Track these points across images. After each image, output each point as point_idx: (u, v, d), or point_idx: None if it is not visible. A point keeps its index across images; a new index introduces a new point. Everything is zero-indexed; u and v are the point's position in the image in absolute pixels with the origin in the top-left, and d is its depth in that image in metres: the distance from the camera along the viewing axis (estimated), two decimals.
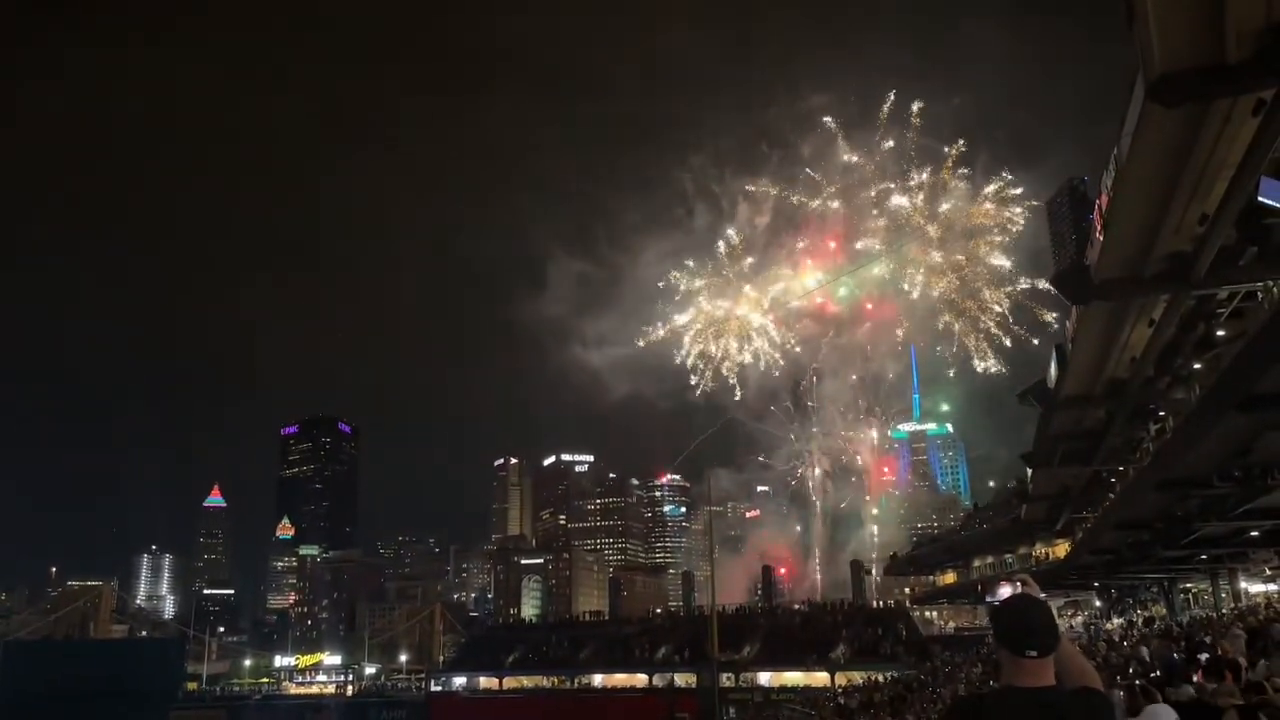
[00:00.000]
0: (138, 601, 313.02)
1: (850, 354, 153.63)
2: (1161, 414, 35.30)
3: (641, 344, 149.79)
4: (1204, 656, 19.76)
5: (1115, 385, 34.13)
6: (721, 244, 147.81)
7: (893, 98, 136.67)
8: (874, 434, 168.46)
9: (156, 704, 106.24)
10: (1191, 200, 21.48)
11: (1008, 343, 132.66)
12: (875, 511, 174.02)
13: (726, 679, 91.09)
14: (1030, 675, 3.70)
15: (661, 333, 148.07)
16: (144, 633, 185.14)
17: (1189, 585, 61.11)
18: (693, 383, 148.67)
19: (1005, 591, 3.96)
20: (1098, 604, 77.90)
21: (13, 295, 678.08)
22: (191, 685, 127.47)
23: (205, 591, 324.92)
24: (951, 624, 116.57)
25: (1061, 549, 70.92)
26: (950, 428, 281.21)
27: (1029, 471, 53.31)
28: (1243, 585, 52.41)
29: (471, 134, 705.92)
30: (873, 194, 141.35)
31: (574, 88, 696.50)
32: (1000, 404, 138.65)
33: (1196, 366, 30.28)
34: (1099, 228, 24.94)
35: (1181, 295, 25.98)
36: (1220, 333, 28.16)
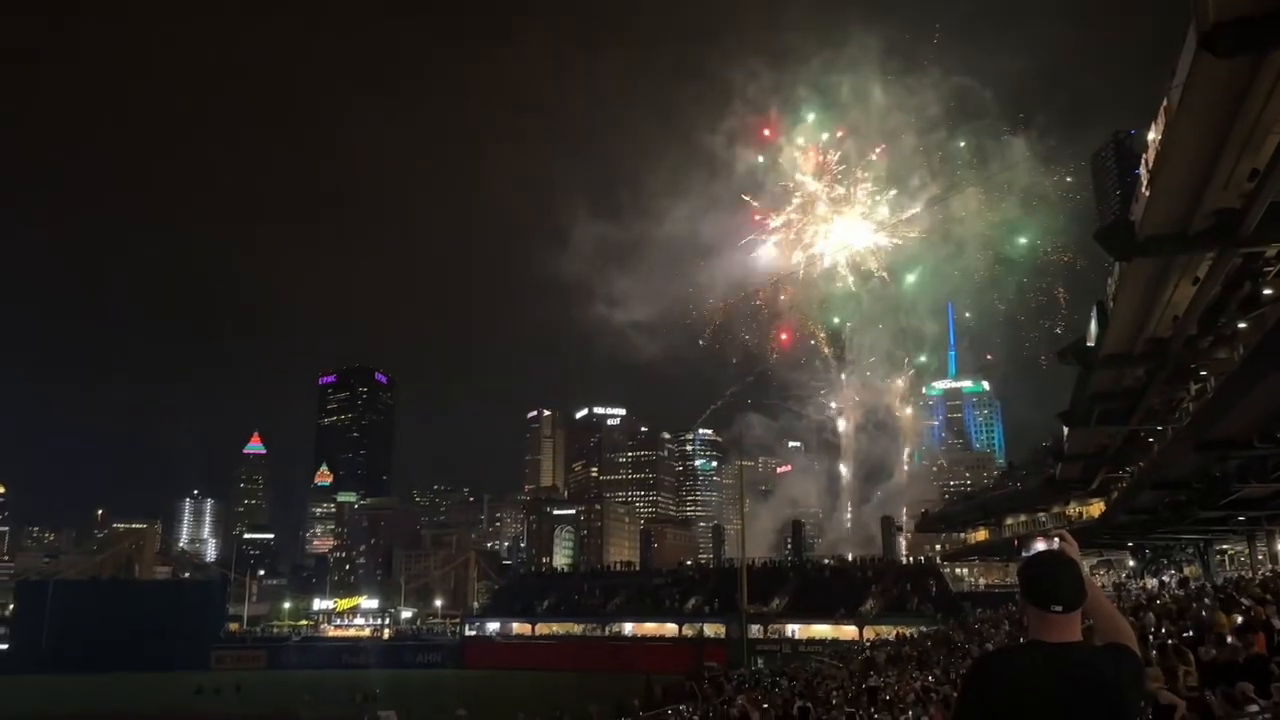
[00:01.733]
0: (181, 544, 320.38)
1: (891, 305, 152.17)
2: (1203, 373, 34.73)
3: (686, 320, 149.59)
4: (1239, 618, 19.63)
5: (1156, 344, 33.55)
6: (749, 197, 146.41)
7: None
8: (903, 383, 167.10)
9: (199, 643, 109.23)
10: (1242, 155, 20.91)
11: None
12: (906, 466, 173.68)
13: (755, 630, 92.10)
14: (1056, 630, 3.67)
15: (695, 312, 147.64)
16: (187, 575, 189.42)
17: (1225, 546, 60.53)
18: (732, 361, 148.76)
19: (1041, 548, 3.94)
20: (1131, 564, 77.45)
21: (59, 248, 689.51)
22: (233, 626, 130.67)
23: (246, 536, 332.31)
24: (982, 581, 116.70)
25: (1096, 508, 70.47)
26: (986, 385, 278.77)
27: (1065, 430, 52.80)
28: None
29: (499, 84, 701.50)
30: (920, 146, 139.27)
31: (602, 38, 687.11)
32: (1039, 369, 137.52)
33: (1241, 325, 29.67)
34: (1145, 182, 24.38)
35: (1228, 252, 25.39)
36: (1267, 291, 27.53)
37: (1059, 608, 3.68)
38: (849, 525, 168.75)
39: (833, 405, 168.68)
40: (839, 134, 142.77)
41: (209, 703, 75.70)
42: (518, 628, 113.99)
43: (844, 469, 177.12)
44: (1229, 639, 15.23)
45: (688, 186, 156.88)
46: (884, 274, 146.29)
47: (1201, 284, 27.71)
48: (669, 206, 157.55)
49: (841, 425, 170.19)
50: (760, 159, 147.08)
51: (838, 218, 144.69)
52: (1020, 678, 3.57)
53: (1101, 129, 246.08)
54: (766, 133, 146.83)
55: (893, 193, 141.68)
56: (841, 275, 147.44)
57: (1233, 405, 29.31)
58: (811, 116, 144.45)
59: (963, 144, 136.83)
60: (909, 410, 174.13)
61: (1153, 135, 22.74)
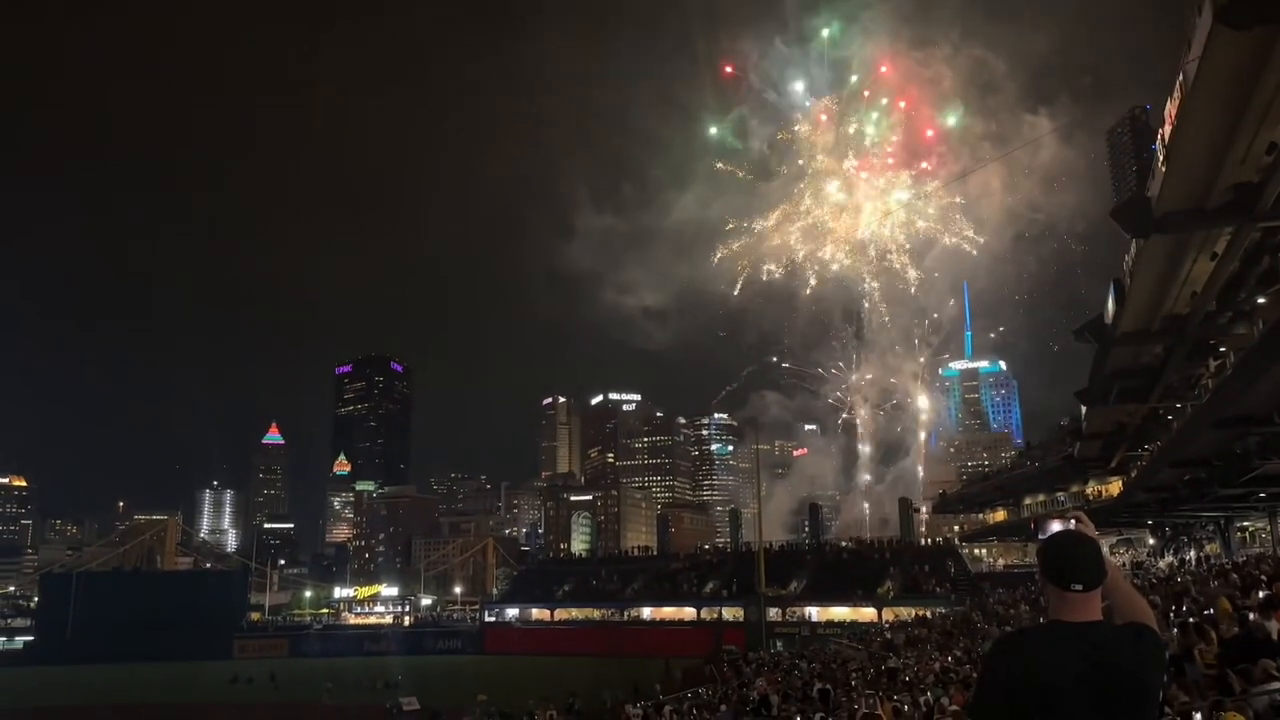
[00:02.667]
0: (201, 535, 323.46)
1: (907, 284, 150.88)
2: (1222, 350, 34.48)
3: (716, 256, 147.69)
4: (1262, 594, 19.53)
5: (1174, 320, 33.31)
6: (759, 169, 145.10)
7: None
8: (918, 363, 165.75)
9: (221, 633, 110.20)
10: (1260, 128, 20.68)
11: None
12: (923, 449, 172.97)
13: (774, 613, 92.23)
14: (1076, 610, 3.65)
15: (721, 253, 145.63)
16: (208, 565, 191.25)
17: (1246, 523, 60.20)
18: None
19: (1056, 528, 3.93)
20: (1151, 542, 77.16)
21: (80, 244, 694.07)
22: (255, 615, 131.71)
23: (266, 525, 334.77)
24: (1001, 561, 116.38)
25: (1115, 487, 70.16)
26: (1003, 365, 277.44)
27: (1083, 409, 52.53)
28: None
29: (509, 74, 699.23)
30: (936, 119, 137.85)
31: (611, 24, 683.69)
32: (1055, 352, 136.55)
33: (1260, 301, 29.42)
34: (1161, 158, 24.16)
35: (1246, 228, 25.16)
36: None
37: (1079, 586, 3.66)
38: (866, 506, 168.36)
39: (849, 384, 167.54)
40: (881, 65, 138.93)
41: (243, 692, 76.09)
42: (537, 613, 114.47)
43: (860, 448, 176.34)
44: (1252, 616, 15.16)
45: (698, 171, 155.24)
46: (902, 252, 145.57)
47: (1220, 260, 27.46)
48: (679, 192, 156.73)
49: (857, 405, 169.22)
50: (717, 119, 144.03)
51: (851, 195, 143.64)
52: (1040, 658, 3.57)
53: (1117, 105, 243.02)
54: (729, 69, 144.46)
55: (923, 166, 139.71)
56: (856, 254, 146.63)
57: (1252, 381, 29.10)
58: (828, 31, 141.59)
59: (978, 120, 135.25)
60: (925, 390, 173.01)
61: (1169, 110, 22.50)
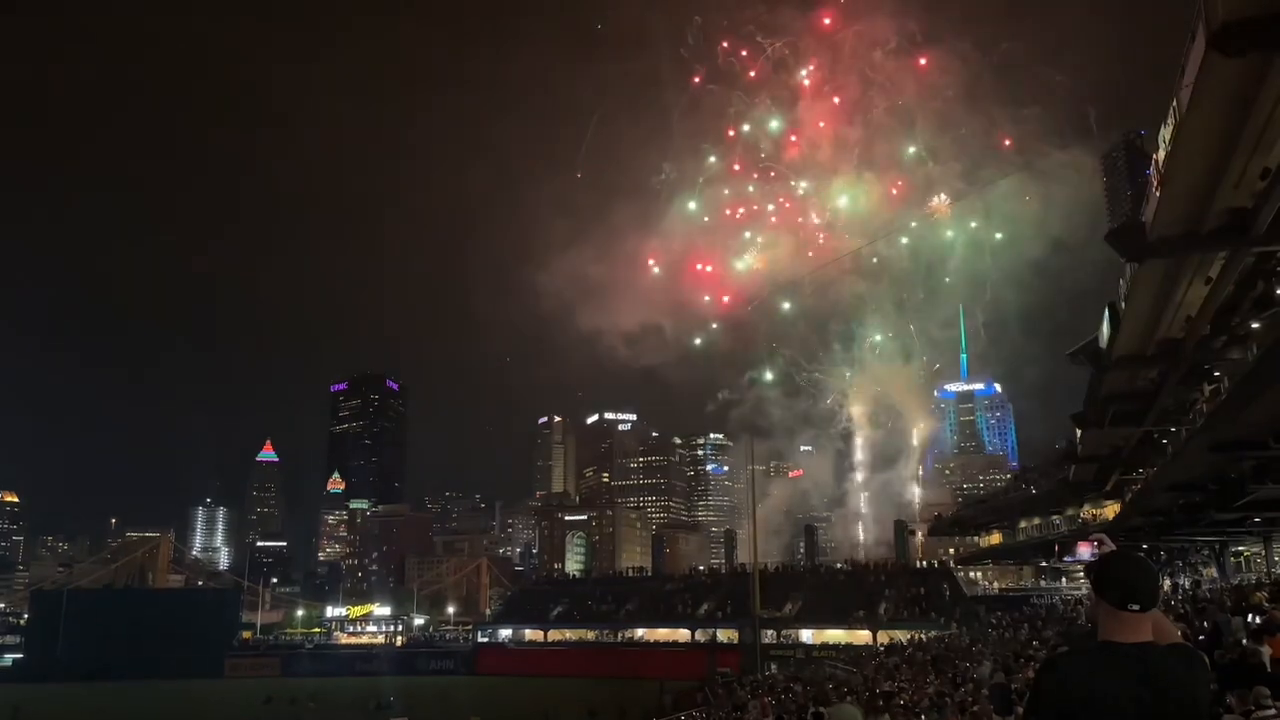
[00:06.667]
0: (194, 552, 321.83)
1: (904, 302, 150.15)
2: (1217, 374, 34.54)
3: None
4: (1257, 619, 19.48)
5: (1169, 345, 33.35)
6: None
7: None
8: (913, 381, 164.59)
9: (213, 651, 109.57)
10: (1253, 154, 20.79)
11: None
12: (919, 467, 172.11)
13: (769, 635, 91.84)
14: (1130, 630, 3.64)
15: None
16: (200, 583, 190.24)
17: (1241, 548, 60.23)
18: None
19: (1084, 550, 3.93)
20: None
21: (70, 259, 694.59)
22: (246, 634, 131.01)
23: (259, 543, 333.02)
24: (996, 584, 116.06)
25: (1110, 511, 70.05)
26: (999, 388, 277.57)
27: (1078, 432, 52.55)
28: None
29: (500, 91, 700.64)
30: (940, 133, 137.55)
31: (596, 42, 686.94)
32: (1053, 370, 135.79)
33: (1254, 325, 29.52)
34: (1156, 183, 24.27)
35: (1240, 252, 25.26)
36: None
37: (1136, 606, 3.65)
38: (860, 529, 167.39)
39: (847, 395, 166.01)
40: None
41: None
42: (530, 634, 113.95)
43: (856, 468, 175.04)
44: (1244, 641, 15.12)
45: (694, 179, 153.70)
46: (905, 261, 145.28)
47: (1214, 284, 27.54)
48: (672, 206, 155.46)
49: (854, 420, 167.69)
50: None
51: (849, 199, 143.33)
52: (1095, 679, 3.54)
53: (1112, 130, 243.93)
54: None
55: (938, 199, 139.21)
56: (855, 265, 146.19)
57: (1247, 406, 29.14)
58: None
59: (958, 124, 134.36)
60: (921, 411, 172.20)
61: (1163, 135, 22.63)
